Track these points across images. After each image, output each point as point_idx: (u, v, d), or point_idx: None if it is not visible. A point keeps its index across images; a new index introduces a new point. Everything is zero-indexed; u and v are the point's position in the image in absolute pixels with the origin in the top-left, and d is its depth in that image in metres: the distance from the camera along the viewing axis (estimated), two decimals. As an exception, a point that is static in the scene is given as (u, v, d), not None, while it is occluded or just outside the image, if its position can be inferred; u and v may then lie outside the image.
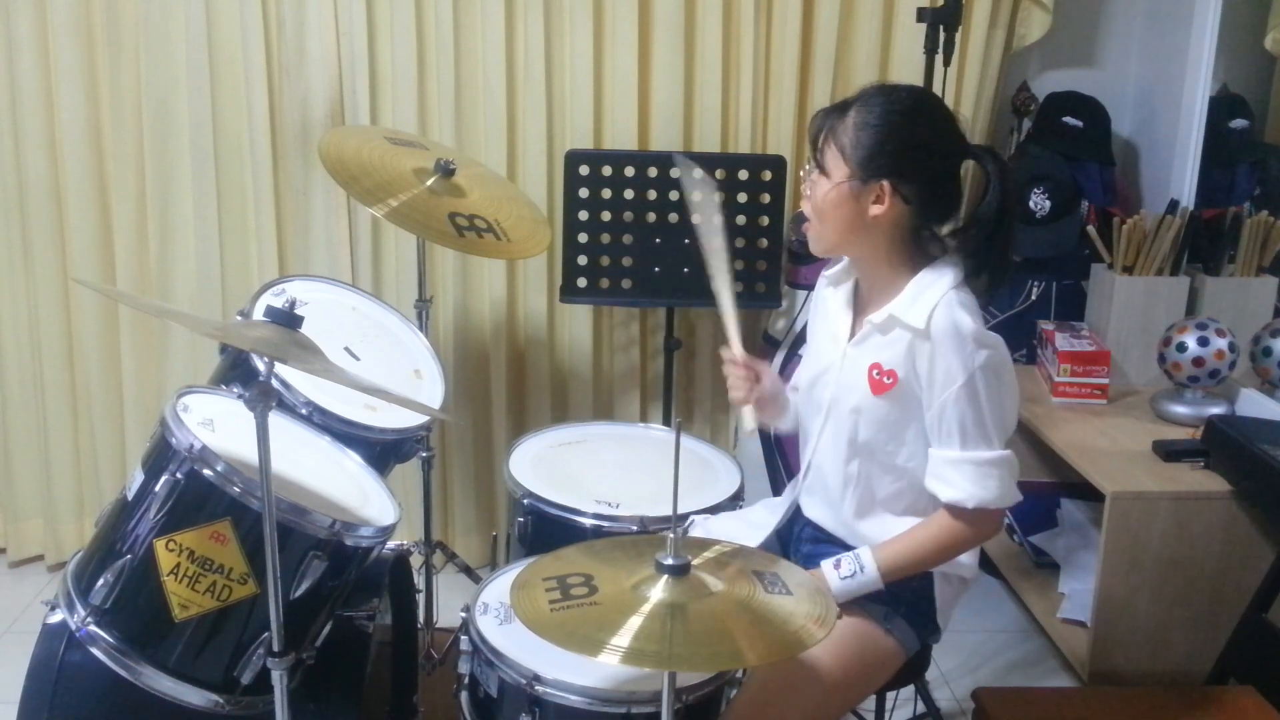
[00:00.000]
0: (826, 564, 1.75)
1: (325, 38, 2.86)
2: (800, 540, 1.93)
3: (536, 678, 1.69)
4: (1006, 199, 1.71)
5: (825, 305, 1.91)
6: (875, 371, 1.74)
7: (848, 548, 1.81)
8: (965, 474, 1.68)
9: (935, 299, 1.69)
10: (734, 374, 1.88)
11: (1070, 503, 3.03)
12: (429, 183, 2.40)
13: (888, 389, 1.72)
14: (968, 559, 1.82)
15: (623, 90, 2.94)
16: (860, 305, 1.84)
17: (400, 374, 2.37)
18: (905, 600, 1.79)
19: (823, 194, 1.72)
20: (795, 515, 1.95)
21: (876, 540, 1.77)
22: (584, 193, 2.81)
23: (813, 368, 1.88)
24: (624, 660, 1.34)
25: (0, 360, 3.04)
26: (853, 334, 1.82)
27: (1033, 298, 3.09)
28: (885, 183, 1.68)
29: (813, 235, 1.79)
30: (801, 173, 1.79)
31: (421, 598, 2.49)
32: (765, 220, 2.84)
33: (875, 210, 1.70)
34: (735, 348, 1.89)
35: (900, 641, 1.79)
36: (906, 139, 1.69)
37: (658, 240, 2.83)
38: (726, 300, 1.89)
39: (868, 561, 1.73)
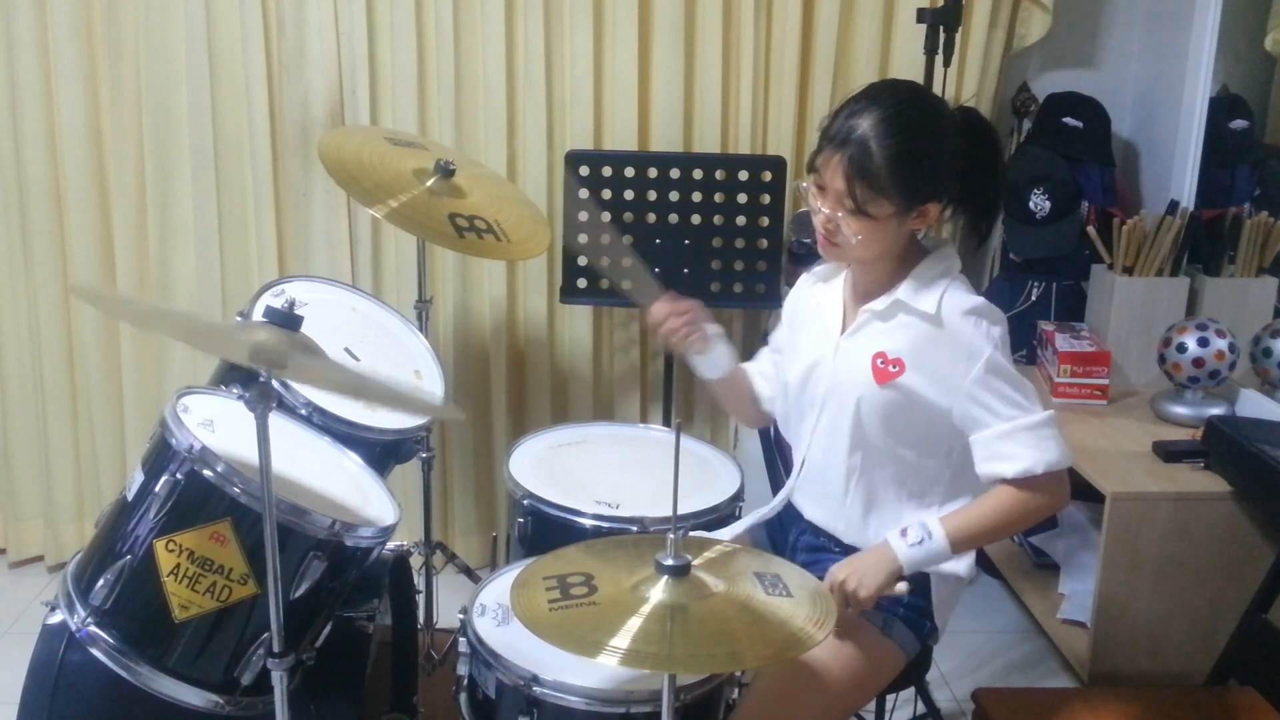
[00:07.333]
0: (893, 534, 1.72)
1: (325, 38, 2.86)
2: (796, 549, 1.91)
3: (535, 679, 1.69)
4: (999, 146, 1.78)
5: (812, 301, 1.89)
6: (880, 360, 1.72)
7: (848, 554, 1.79)
8: (1023, 442, 1.67)
9: (943, 285, 1.71)
10: (671, 325, 1.87)
11: (1070, 503, 3.03)
12: (429, 183, 2.40)
13: (893, 377, 1.71)
14: (965, 559, 1.81)
15: (623, 90, 2.94)
16: (853, 298, 1.83)
17: (400, 375, 2.37)
18: (901, 603, 1.78)
19: (867, 231, 1.67)
20: (792, 521, 1.94)
21: (882, 536, 1.75)
22: (584, 193, 2.81)
23: (801, 364, 1.85)
24: (623, 662, 1.34)
25: (0, 361, 3.04)
26: (844, 326, 1.81)
27: (1033, 298, 3.09)
28: (932, 205, 1.70)
29: (835, 256, 1.75)
30: (800, 186, 1.76)
31: (421, 598, 2.49)
32: (765, 221, 2.84)
33: (916, 226, 1.72)
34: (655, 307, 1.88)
35: (899, 644, 1.78)
36: (939, 155, 1.68)
37: (658, 240, 2.83)
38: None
39: (935, 528, 1.70)
